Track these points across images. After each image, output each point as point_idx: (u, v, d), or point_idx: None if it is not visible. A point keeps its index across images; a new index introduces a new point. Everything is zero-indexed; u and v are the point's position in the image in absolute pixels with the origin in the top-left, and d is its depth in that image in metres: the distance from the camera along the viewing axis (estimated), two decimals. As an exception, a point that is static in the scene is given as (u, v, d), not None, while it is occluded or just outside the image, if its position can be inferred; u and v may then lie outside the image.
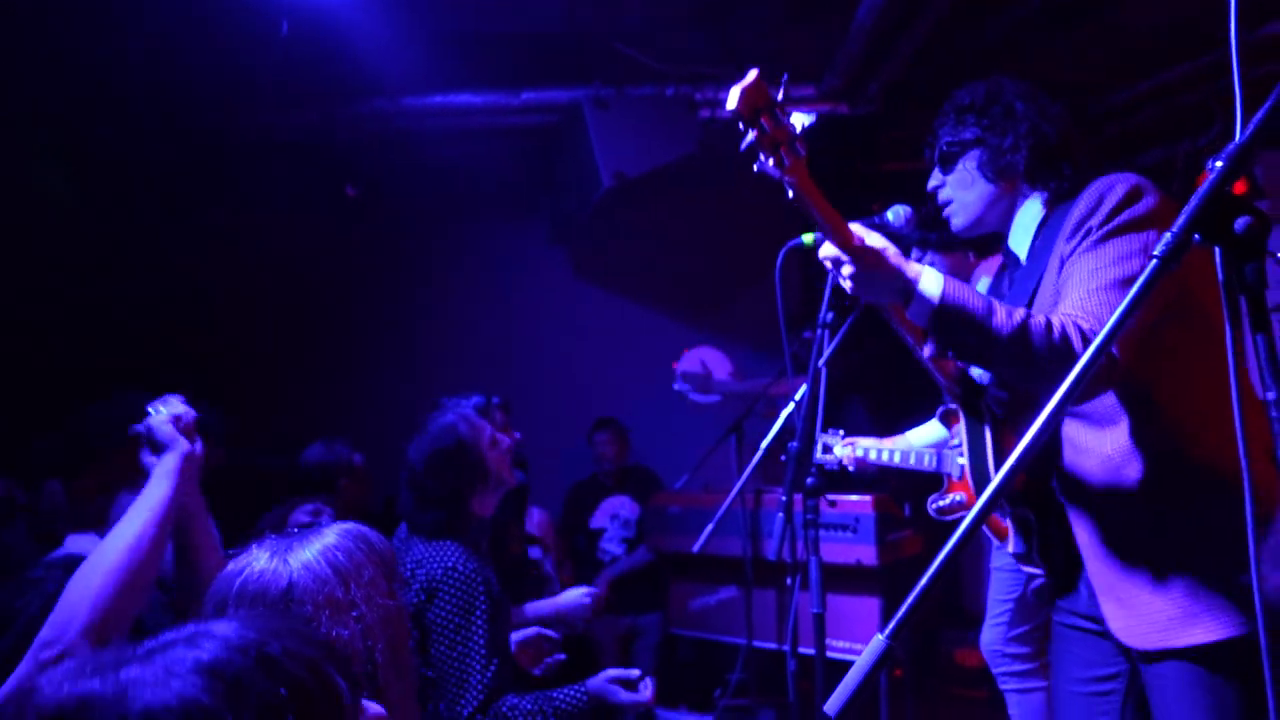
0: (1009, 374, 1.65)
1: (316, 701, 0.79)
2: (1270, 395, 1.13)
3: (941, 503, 2.98)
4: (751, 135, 1.47)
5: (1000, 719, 2.89)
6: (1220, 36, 1.31)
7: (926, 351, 1.68)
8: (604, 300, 5.37)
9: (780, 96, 1.47)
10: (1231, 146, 1.16)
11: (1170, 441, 1.62)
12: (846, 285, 1.66)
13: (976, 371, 1.98)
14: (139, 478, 1.65)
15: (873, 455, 3.17)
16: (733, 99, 1.41)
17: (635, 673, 2.25)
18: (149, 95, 4.08)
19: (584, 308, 5.32)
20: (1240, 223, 1.13)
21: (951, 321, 1.55)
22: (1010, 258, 1.90)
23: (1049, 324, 1.53)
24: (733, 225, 5.16)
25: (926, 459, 3.06)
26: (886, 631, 1.14)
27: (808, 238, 2.34)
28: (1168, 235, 1.15)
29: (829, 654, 4.04)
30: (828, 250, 1.65)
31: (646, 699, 2.18)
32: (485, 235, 5.21)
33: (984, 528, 2.89)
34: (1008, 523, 2.71)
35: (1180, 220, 1.15)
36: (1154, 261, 1.16)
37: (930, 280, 1.58)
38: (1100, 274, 1.57)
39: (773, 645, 3.86)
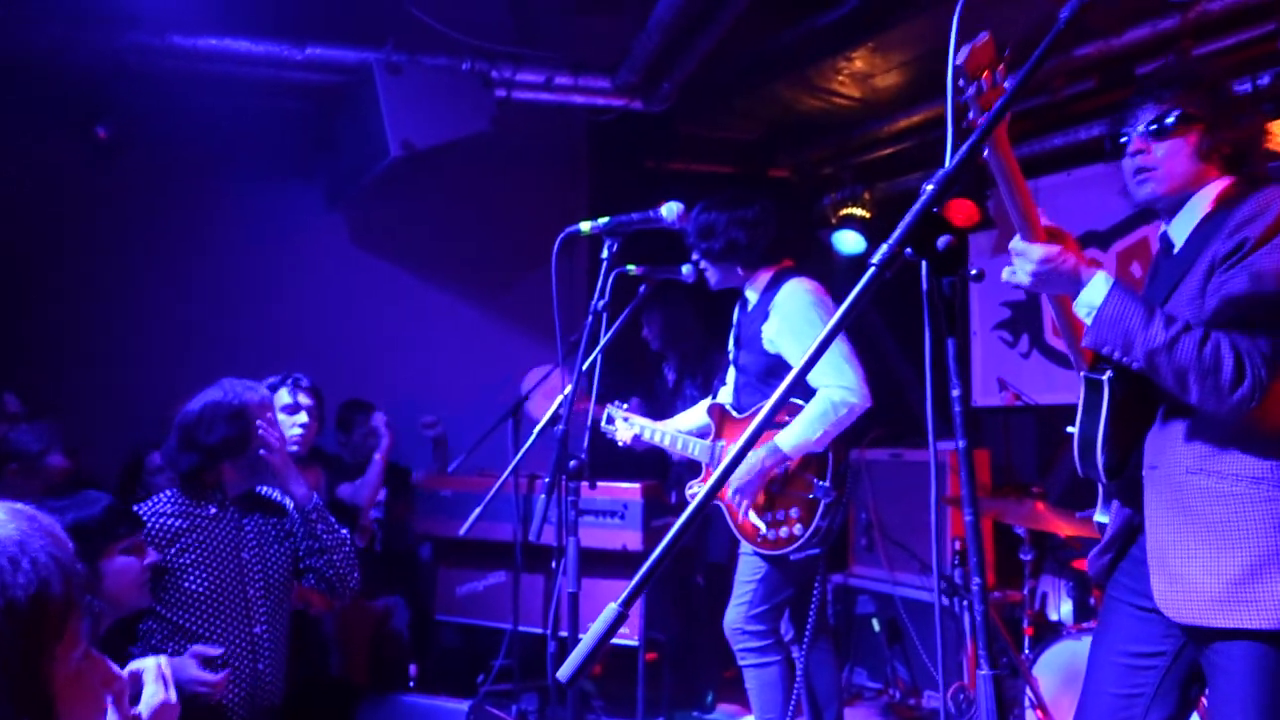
0: (1158, 380, 1.70)
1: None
2: (955, 392, 1.27)
3: (694, 490, 3.13)
4: (970, 91, 1.45)
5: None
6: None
7: (1084, 342, 1.75)
8: (383, 272, 5.16)
9: (1007, 54, 1.45)
10: (940, 173, 1.29)
11: (1266, 430, 1.70)
12: (1024, 280, 1.74)
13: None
14: None
15: (646, 435, 3.28)
16: (961, 54, 1.41)
17: (217, 651, 2.27)
18: None
19: (360, 278, 5.08)
20: (942, 241, 1.25)
21: (1111, 323, 1.68)
22: (1165, 243, 1.93)
23: (1201, 339, 1.64)
24: (522, 207, 5.13)
25: (693, 447, 3.20)
26: (619, 600, 1.17)
27: (584, 225, 2.37)
28: (883, 246, 1.26)
29: (592, 636, 4.17)
30: (1017, 245, 1.73)
31: (214, 680, 2.18)
32: (255, 194, 4.83)
33: (729, 523, 3.05)
34: (760, 520, 2.90)
35: (895, 235, 1.26)
36: (871, 269, 1.26)
37: (1100, 282, 1.71)
38: (1250, 291, 1.66)
39: (539, 629, 3.88)
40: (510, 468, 3.15)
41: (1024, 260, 1.73)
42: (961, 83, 1.43)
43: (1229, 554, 1.70)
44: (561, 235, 2.26)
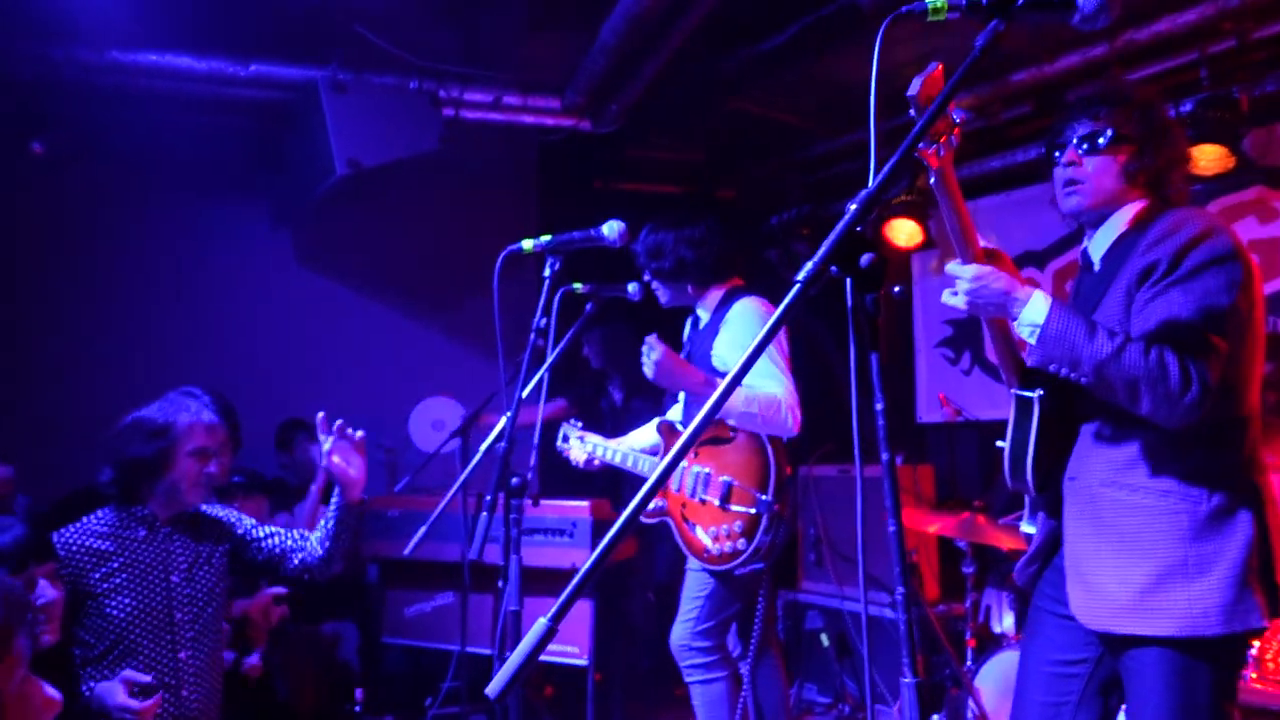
0: (1106, 392, 1.72)
1: None
2: (879, 406, 1.30)
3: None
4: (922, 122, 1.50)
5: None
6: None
7: (1031, 361, 1.76)
8: (329, 290, 5.11)
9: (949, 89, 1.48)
10: (863, 193, 1.32)
11: (1176, 446, 1.75)
12: (961, 301, 1.76)
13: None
14: None
15: (599, 453, 3.27)
16: (914, 86, 1.45)
17: (146, 679, 2.22)
18: None
19: (307, 296, 5.02)
20: (865, 259, 1.29)
21: (1056, 340, 1.70)
22: (1085, 260, 1.99)
23: (1145, 349, 1.67)
24: (471, 226, 5.12)
25: (645, 465, 3.21)
26: (549, 615, 1.18)
27: (527, 244, 2.38)
28: (809, 264, 1.29)
29: (542, 657, 4.14)
30: (951, 267, 1.75)
31: (137, 708, 2.14)
32: (198, 211, 4.76)
33: (678, 539, 3.06)
34: (706, 535, 2.92)
35: (819, 253, 1.29)
36: (796, 286, 1.29)
37: (1039, 301, 1.73)
38: (1189, 307, 1.70)
39: (487, 650, 3.85)
40: (456, 486, 3.13)
41: (960, 281, 1.76)
42: (912, 113, 1.47)
43: (1137, 564, 1.75)
44: (503, 254, 2.26)
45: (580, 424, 3.39)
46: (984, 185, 4.85)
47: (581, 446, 3.31)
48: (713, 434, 3.01)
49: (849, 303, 1.31)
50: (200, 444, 2.41)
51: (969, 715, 3.27)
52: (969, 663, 3.58)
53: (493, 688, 1.12)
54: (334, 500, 2.53)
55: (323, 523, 2.56)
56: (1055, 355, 1.71)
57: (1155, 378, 1.65)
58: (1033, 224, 4.77)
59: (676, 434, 3.19)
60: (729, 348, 2.99)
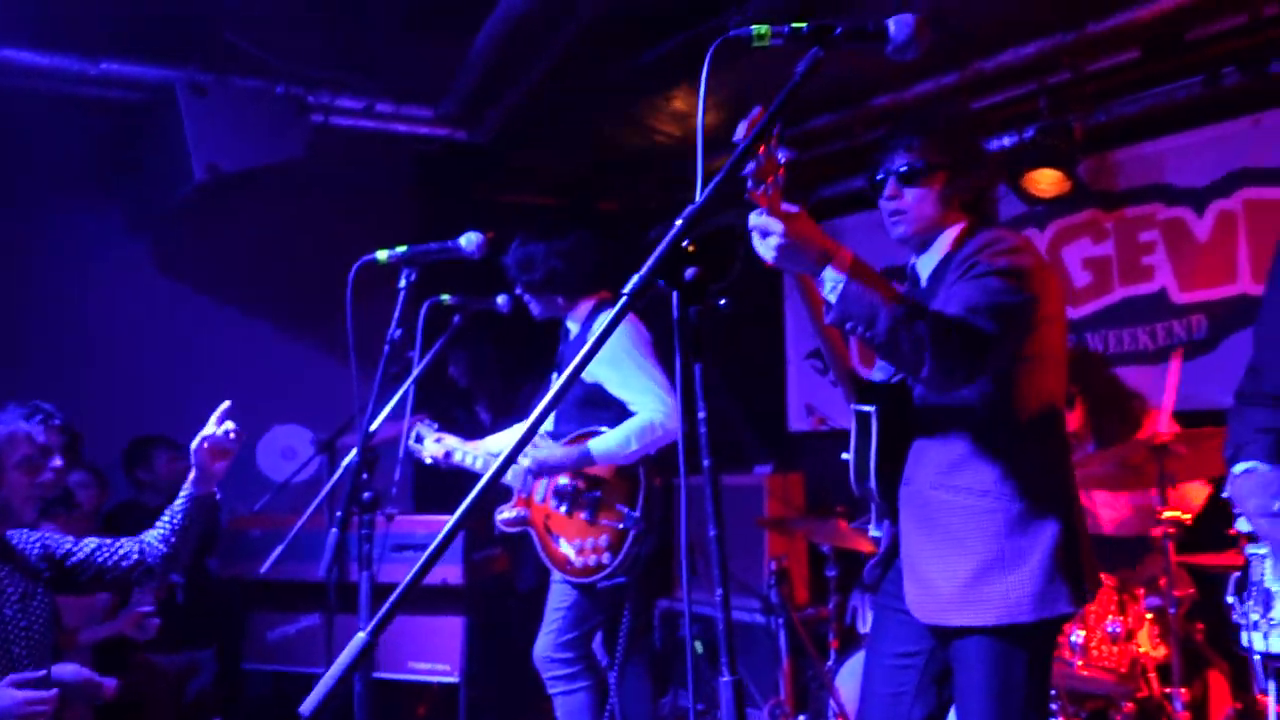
0: (895, 356, 1.76)
1: None
2: (701, 414, 1.35)
3: (505, 515, 3.13)
4: (750, 165, 1.57)
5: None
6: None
7: (827, 319, 1.77)
8: (191, 300, 4.88)
9: (777, 131, 1.55)
10: (689, 209, 1.37)
11: (994, 450, 1.87)
12: (770, 254, 1.72)
13: (877, 374, 2.13)
14: None
15: (456, 457, 3.21)
16: (740, 130, 1.51)
17: (40, 673, 2.18)
18: None
19: (165, 306, 4.79)
20: (689, 272, 1.34)
21: (857, 297, 1.71)
22: (913, 276, 2.10)
23: (938, 315, 1.74)
24: (346, 237, 4.97)
25: (505, 472, 3.19)
26: (368, 629, 1.16)
27: (382, 255, 2.34)
28: (635, 276, 1.33)
29: (412, 676, 4.04)
30: (756, 219, 1.72)
31: (47, 695, 2.13)
32: (45, 214, 4.48)
33: (540, 551, 3.06)
34: (570, 548, 2.92)
35: (645, 266, 1.33)
36: (623, 298, 1.33)
37: (844, 256, 1.74)
38: (981, 295, 1.81)
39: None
40: (315, 504, 3.04)
41: (769, 233, 1.73)
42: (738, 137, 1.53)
43: (961, 559, 1.88)
44: (356, 265, 2.23)
45: (436, 425, 3.32)
46: (848, 204, 5.05)
47: (436, 445, 3.23)
48: (571, 444, 3.02)
49: (675, 315, 1.36)
50: (24, 454, 2.31)
51: (830, 714, 3.39)
52: (831, 662, 3.71)
53: (307, 705, 1.10)
54: (185, 492, 2.43)
55: (166, 517, 2.45)
56: (854, 312, 1.72)
57: (941, 340, 1.72)
58: (895, 241, 4.98)
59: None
60: (597, 361, 3.01)
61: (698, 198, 1.38)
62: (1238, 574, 2.23)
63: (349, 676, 1.10)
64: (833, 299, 1.75)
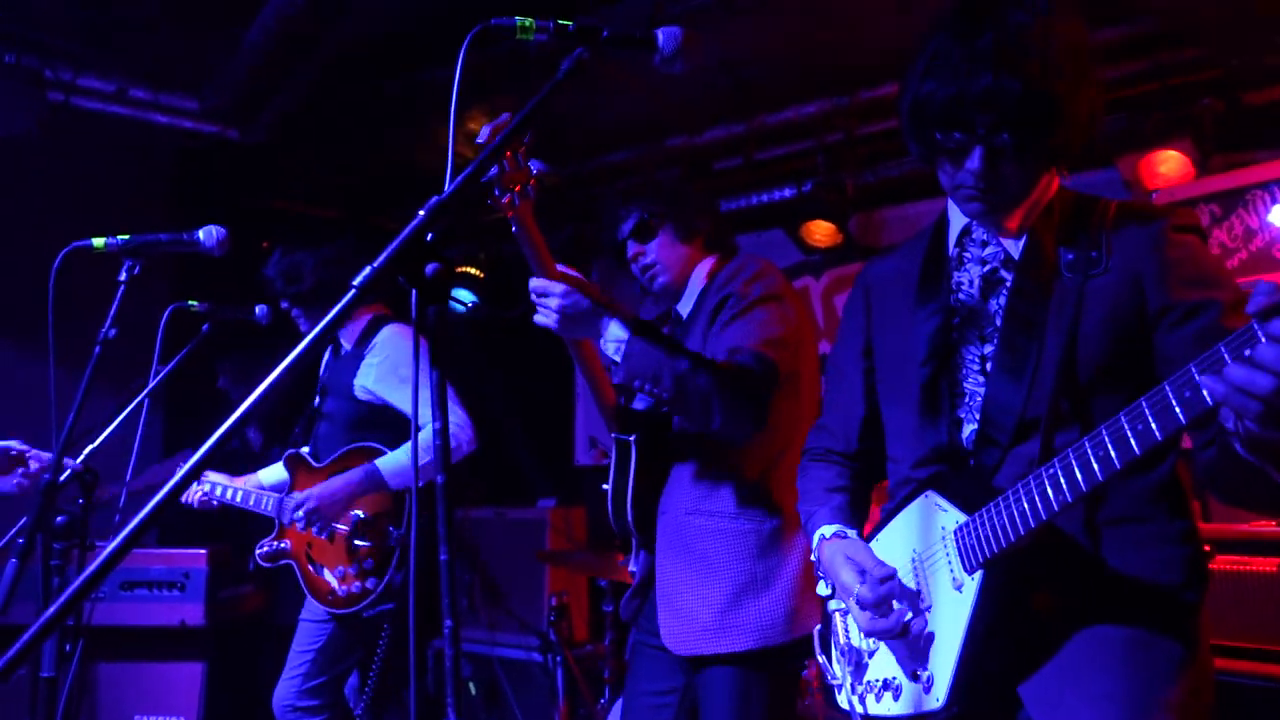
0: (685, 408, 1.78)
1: None
2: (436, 425, 1.22)
3: (267, 549, 2.85)
4: (493, 170, 1.56)
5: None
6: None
7: (614, 379, 1.77)
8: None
9: (528, 140, 1.54)
10: (432, 200, 1.26)
11: (748, 474, 1.90)
12: (551, 319, 1.76)
13: (638, 404, 2.09)
14: None
15: (218, 492, 2.99)
16: (484, 133, 1.49)
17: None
18: None
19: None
20: (430, 268, 1.21)
21: (641, 356, 1.75)
22: (676, 317, 2.14)
23: (719, 365, 1.78)
24: (88, 230, 4.41)
25: (266, 502, 2.92)
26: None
27: (98, 241, 2.05)
28: (367, 268, 1.19)
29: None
30: (535, 282, 1.77)
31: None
32: None
33: (301, 582, 2.79)
34: (332, 575, 2.67)
35: (381, 257, 1.20)
36: (351, 291, 1.18)
37: (625, 315, 1.79)
38: (752, 330, 1.87)
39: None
40: (10, 535, 2.60)
41: (549, 299, 1.77)
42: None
43: (717, 584, 1.88)
44: (64, 251, 1.92)
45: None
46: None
47: (198, 485, 2.96)
48: (340, 465, 2.81)
49: (414, 316, 1.23)
50: None
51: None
52: (604, 699, 3.62)
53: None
54: None
55: None
56: (639, 370, 1.76)
57: (727, 388, 1.77)
58: (658, 294, 5.09)
59: (303, 465, 2.93)
60: (381, 377, 2.83)
61: (446, 188, 1.27)
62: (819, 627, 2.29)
63: None
64: (617, 359, 1.78)
